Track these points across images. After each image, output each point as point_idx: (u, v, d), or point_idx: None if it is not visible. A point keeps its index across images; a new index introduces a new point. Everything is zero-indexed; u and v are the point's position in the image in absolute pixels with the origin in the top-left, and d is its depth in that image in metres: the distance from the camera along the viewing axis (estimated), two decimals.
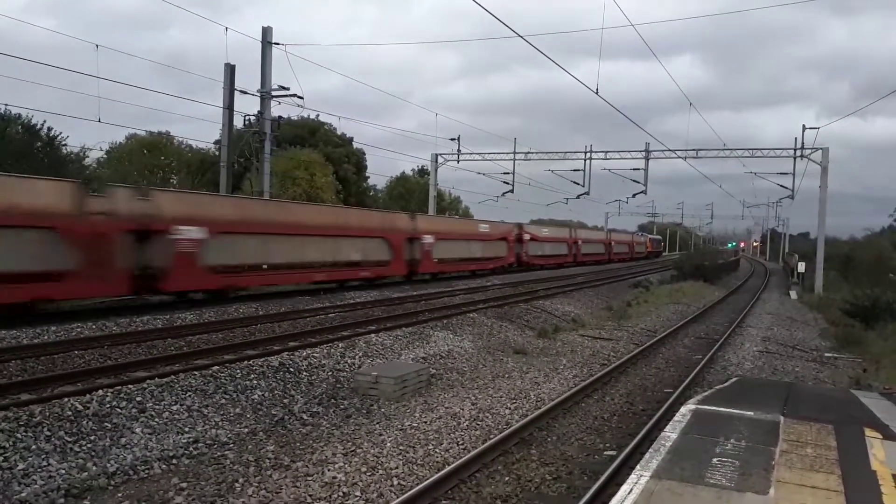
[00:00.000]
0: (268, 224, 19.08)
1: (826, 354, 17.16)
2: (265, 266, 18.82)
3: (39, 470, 6.57)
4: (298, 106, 24.96)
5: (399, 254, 24.78)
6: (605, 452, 8.17)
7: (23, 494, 6.15)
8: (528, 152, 42.62)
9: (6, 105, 29.39)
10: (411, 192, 56.97)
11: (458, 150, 41.43)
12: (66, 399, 8.02)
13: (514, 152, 42.20)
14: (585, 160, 40.83)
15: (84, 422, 7.62)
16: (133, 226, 14.71)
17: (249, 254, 18.43)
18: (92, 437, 7.38)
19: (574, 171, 41.62)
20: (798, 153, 36.52)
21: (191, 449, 7.67)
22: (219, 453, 7.66)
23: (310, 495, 6.50)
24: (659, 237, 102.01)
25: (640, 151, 40.00)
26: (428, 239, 26.66)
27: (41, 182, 13.82)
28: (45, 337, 11.60)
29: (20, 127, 30.23)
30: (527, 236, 37.82)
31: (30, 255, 12.91)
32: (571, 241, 46.55)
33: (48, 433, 7.21)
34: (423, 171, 57.73)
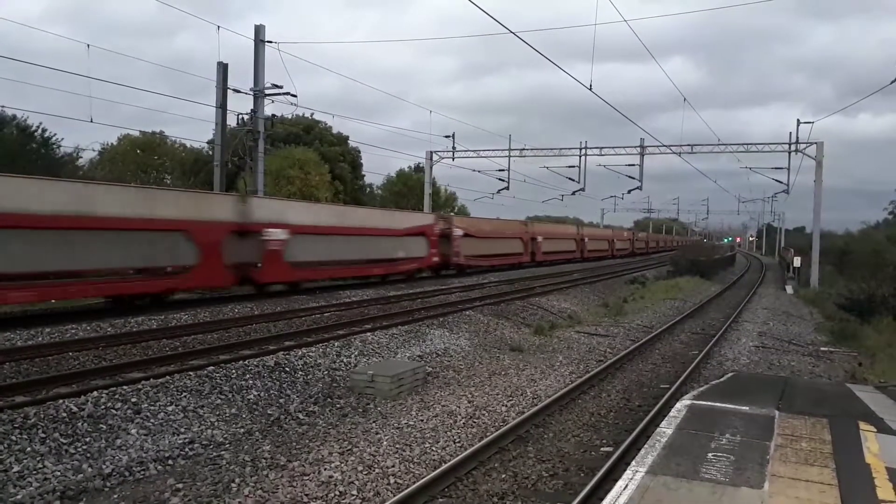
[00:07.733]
0: None
1: (822, 349, 17.20)
2: None
3: (35, 472, 6.56)
4: (292, 104, 24.97)
5: (214, 255, 17.23)
6: (602, 449, 8.19)
7: (18, 497, 6.13)
8: (524, 149, 42.62)
9: (3, 107, 29.38)
10: (412, 189, 56.64)
11: (454, 148, 41.43)
12: (61, 401, 8.00)
13: (510, 149, 42.17)
14: (580, 156, 40.91)
15: (79, 423, 7.60)
16: None
17: None
18: (87, 439, 7.36)
19: (569, 167, 41.75)
20: (793, 148, 36.63)
21: (186, 449, 7.66)
22: (215, 454, 7.65)
23: (306, 495, 6.49)
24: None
25: (635, 147, 40.02)
26: (275, 234, 19.17)
27: None
28: (40, 339, 11.56)
29: (14, 128, 30.19)
30: (458, 231, 30.97)
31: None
32: (527, 238, 39.86)
33: (43, 435, 7.19)
34: (418, 169, 57.62)
